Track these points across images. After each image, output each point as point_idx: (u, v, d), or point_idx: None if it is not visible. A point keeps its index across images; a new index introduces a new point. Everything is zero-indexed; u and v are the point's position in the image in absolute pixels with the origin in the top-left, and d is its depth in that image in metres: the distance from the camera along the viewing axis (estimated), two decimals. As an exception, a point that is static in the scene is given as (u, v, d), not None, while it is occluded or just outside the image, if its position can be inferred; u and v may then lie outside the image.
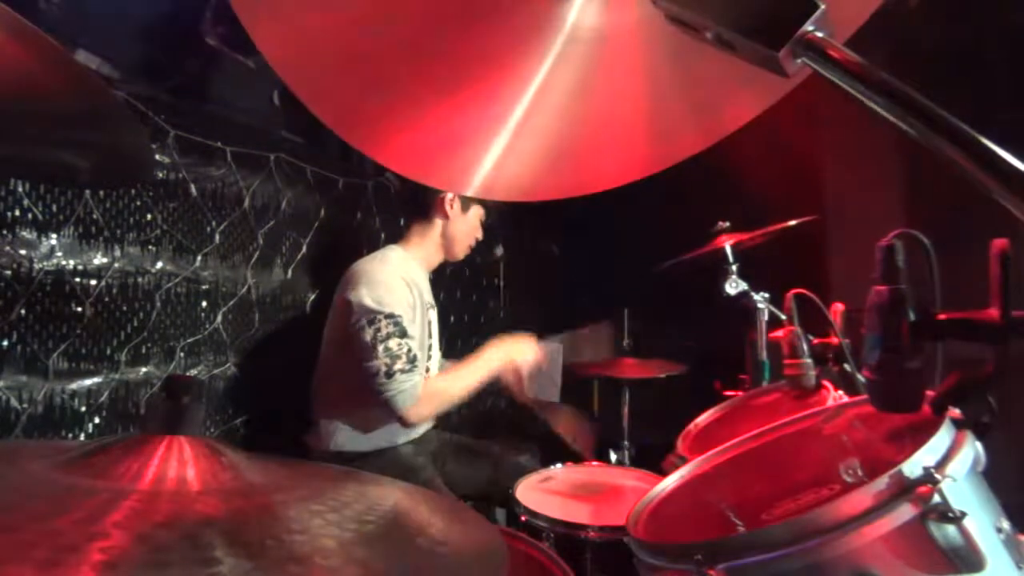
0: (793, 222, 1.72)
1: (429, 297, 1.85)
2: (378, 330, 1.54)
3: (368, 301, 1.57)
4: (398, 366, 1.52)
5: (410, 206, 1.88)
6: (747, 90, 0.58)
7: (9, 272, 1.22)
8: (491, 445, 1.97)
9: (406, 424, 1.59)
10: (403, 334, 1.57)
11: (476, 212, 1.86)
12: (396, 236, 1.90)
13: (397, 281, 1.65)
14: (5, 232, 1.22)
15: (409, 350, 1.56)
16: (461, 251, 1.88)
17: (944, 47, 1.97)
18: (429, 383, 1.60)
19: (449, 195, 1.78)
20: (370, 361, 1.53)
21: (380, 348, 1.53)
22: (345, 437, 1.68)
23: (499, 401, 3.06)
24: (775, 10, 0.34)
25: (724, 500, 0.81)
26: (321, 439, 1.69)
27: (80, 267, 1.35)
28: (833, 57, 0.33)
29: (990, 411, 0.60)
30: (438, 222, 1.82)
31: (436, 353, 1.91)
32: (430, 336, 1.84)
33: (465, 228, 1.85)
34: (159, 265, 1.52)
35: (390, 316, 1.56)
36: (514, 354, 1.74)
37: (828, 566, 0.56)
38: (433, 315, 1.88)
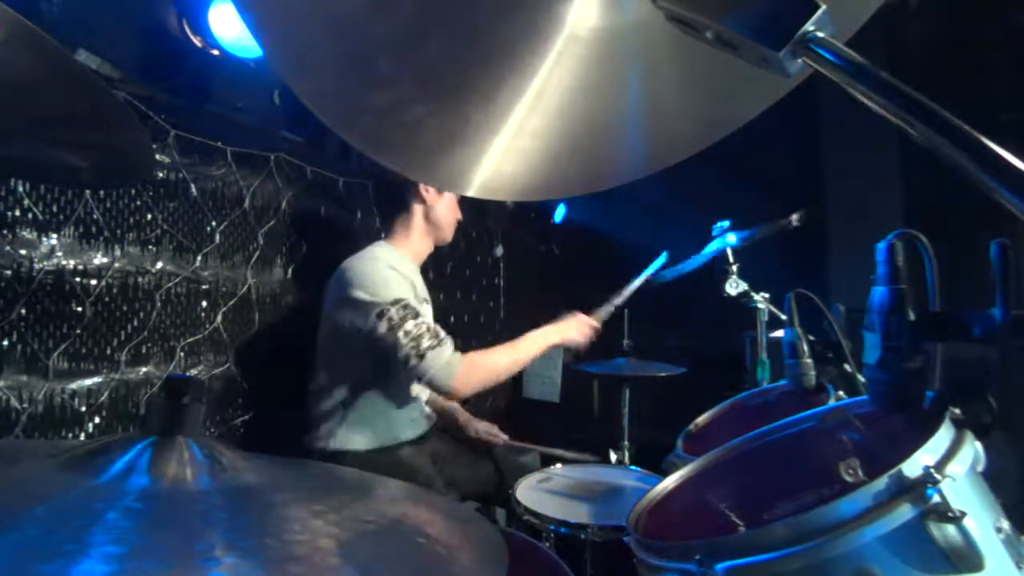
0: (794, 216, 1.71)
1: (423, 291, 1.84)
2: (391, 319, 1.52)
3: (367, 297, 1.56)
4: (425, 343, 1.50)
5: (388, 200, 1.85)
6: (747, 90, 0.58)
7: (9, 272, 1.22)
8: (491, 445, 1.97)
9: (456, 397, 1.53)
10: (416, 315, 1.55)
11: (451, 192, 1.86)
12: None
13: (387, 271, 1.63)
14: (5, 232, 1.22)
15: (429, 327, 1.54)
16: (448, 233, 1.87)
17: (944, 47, 1.97)
18: (471, 355, 1.57)
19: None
20: (398, 353, 1.51)
21: (400, 334, 1.51)
22: (344, 437, 1.68)
23: (499, 401, 3.06)
24: (776, 10, 0.34)
25: (724, 500, 0.81)
26: (320, 439, 1.69)
27: (80, 267, 1.35)
28: (834, 57, 0.33)
29: (990, 411, 0.60)
30: (417, 209, 1.81)
31: None
32: None
33: (445, 209, 1.84)
34: (159, 265, 1.52)
35: (395, 302, 1.55)
36: (565, 334, 1.75)
37: (828, 566, 0.56)
38: (428, 310, 1.88)
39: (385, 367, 1.59)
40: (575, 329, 1.78)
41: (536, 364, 2.92)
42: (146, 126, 1.46)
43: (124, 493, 0.40)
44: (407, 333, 1.51)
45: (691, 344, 2.51)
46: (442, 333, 1.56)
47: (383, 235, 1.86)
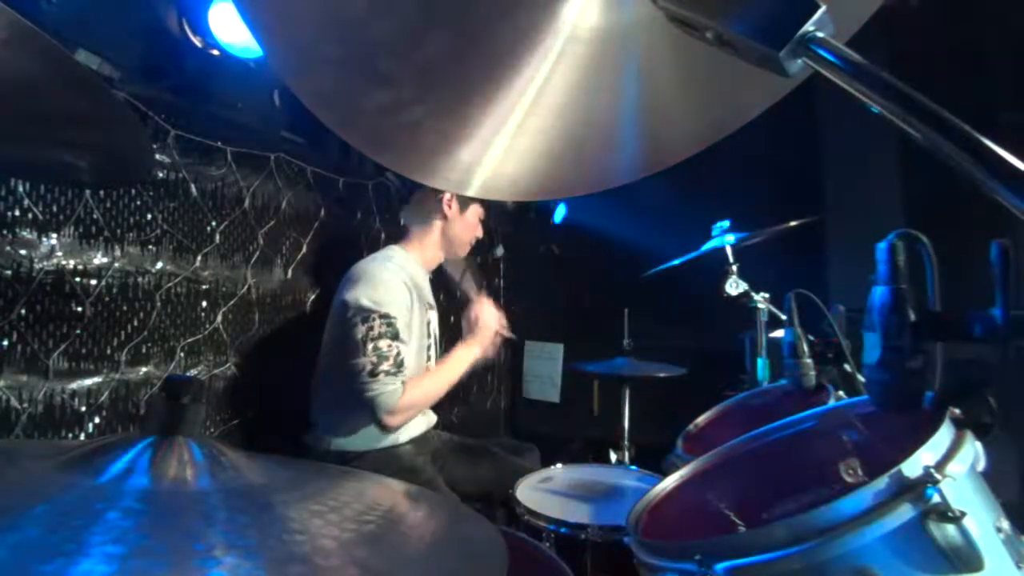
0: (794, 223, 1.72)
1: (429, 298, 1.85)
2: (371, 328, 1.54)
3: (364, 300, 1.57)
4: (384, 367, 1.52)
5: (412, 207, 1.88)
6: (747, 90, 0.58)
7: (9, 272, 1.22)
8: (491, 445, 1.97)
9: (383, 428, 1.59)
10: (395, 336, 1.57)
11: (475, 211, 1.87)
12: (396, 236, 1.90)
13: (396, 282, 1.64)
14: (5, 232, 1.22)
15: (398, 354, 1.55)
16: (463, 250, 1.89)
17: (944, 47, 1.97)
18: (408, 392, 1.59)
19: (447, 195, 1.78)
20: (357, 358, 1.53)
21: (369, 346, 1.53)
22: (344, 437, 1.68)
23: (499, 401, 3.06)
24: (776, 10, 0.34)
25: (724, 500, 0.81)
26: (320, 439, 1.69)
27: (80, 267, 1.35)
28: (834, 57, 0.33)
29: (990, 411, 0.60)
30: (437, 223, 1.82)
31: (435, 354, 1.91)
32: (429, 336, 1.84)
33: (464, 227, 1.85)
34: (159, 265, 1.52)
35: (384, 316, 1.56)
36: (484, 346, 1.79)
37: (828, 566, 0.56)
38: (433, 316, 1.88)
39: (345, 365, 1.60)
40: (488, 340, 1.80)
41: (536, 364, 2.93)
42: (146, 126, 1.46)
43: (124, 493, 0.40)
44: (376, 348, 1.53)
45: (691, 344, 2.51)
46: (405, 367, 1.57)
47: (384, 236, 1.86)
